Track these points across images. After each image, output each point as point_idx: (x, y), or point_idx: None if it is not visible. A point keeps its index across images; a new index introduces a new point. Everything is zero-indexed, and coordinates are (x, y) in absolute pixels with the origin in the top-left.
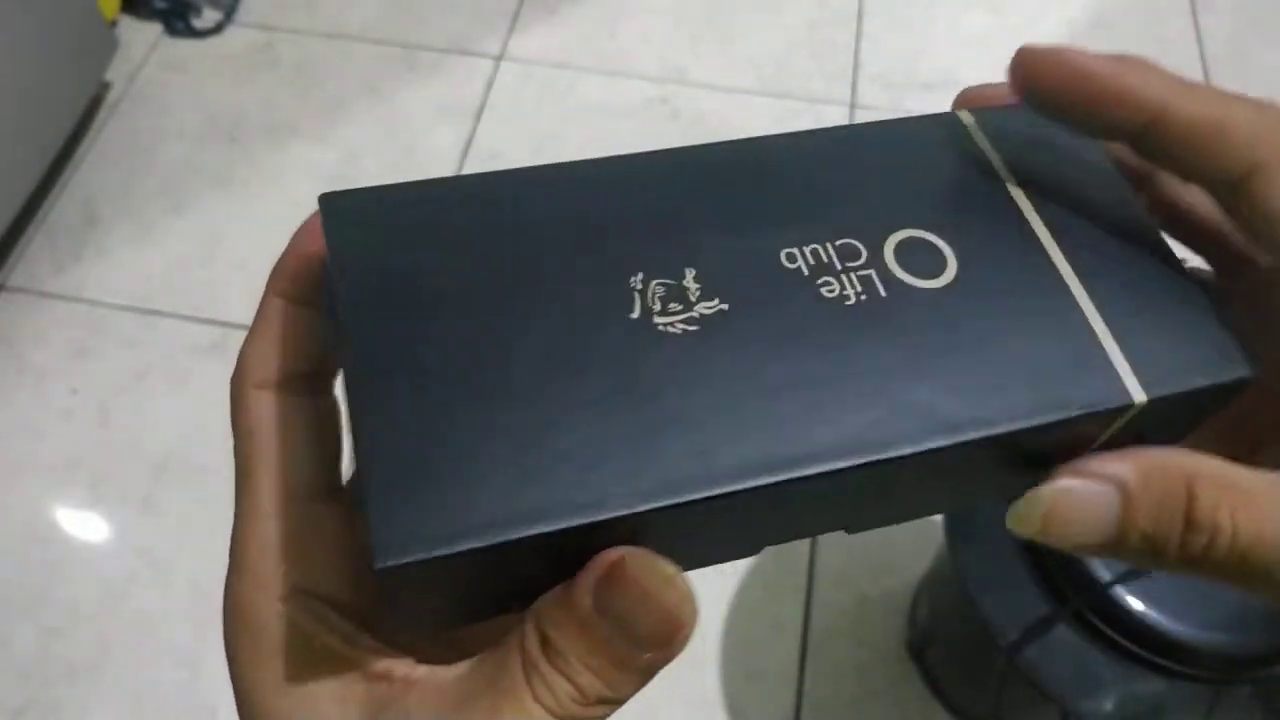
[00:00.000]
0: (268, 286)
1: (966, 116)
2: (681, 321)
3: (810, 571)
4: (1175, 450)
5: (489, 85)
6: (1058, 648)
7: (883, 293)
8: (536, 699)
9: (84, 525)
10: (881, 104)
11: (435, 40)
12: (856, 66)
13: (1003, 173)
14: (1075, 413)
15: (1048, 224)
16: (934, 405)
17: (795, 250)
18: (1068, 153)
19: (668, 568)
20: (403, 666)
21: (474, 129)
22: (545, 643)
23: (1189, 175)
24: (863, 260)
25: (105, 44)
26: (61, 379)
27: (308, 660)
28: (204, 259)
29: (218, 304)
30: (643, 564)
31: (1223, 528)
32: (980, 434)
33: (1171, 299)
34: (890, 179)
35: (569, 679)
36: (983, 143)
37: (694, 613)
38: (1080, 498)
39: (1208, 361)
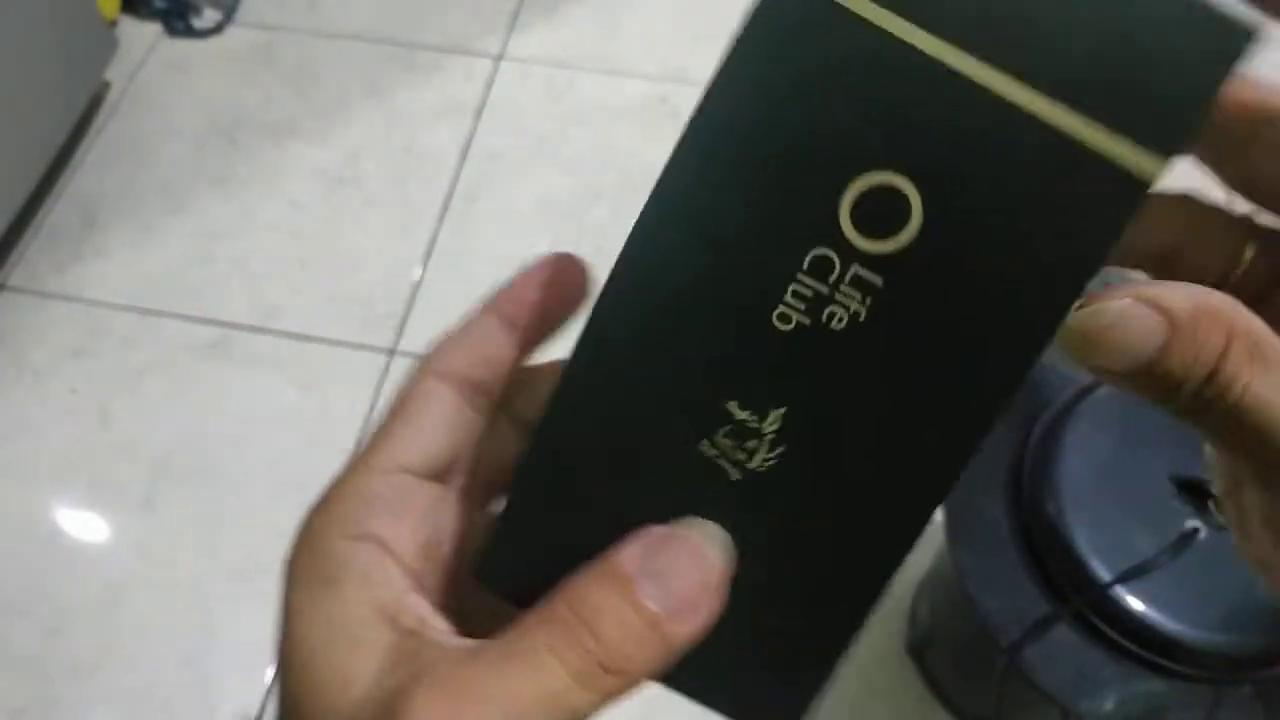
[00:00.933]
0: (488, 304)
1: None
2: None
3: None
4: (1223, 296)
5: (488, 85)
6: (1058, 648)
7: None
8: (558, 656)
9: (83, 525)
10: None
11: (435, 40)
12: None
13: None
14: None
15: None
16: None
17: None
18: None
19: (715, 529)
20: (436, 631)
21: (473, 128)
22: (574, 600)
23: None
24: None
25: (105, 44)
26: (61, 379)
27: (348, 596)
28: (203, 259)
29: (217, 304)
30: (691, 523)
31: (1237, 383)
32: None
33: None
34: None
35: (594, 632)
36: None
37: (725, 581)
38: (1131, 319)
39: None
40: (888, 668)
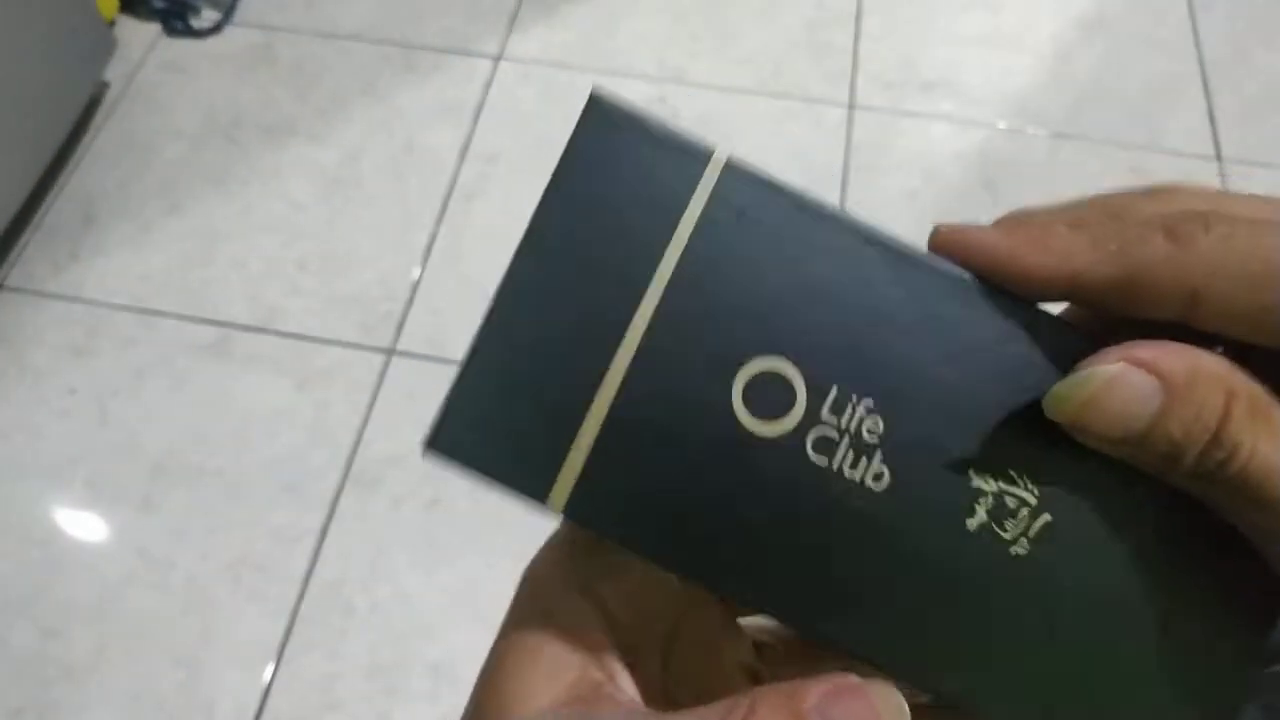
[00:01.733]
0: None
1: None
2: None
3: None
4: (1220, 359)
5: (487, 85)
6: None
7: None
8: None
9: (82, 525)
10: (880, 104)
11: (434, 40)
12: (855, 67)
13: None
14: None
15: None
16: None
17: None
18: None
19: (902, 702)
20: (622, 693)
21: (472, 129)
22: (752, 712)
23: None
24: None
25: (104, 44)
26: (60, 379)
27: (554, 634)
28: (202, 259)
29: (216, 304)
30: (881, 691)
31: (1242, 448)
32: None
33: None
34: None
35: None
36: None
37: None
38: (1124, 385)
39: None
40: None
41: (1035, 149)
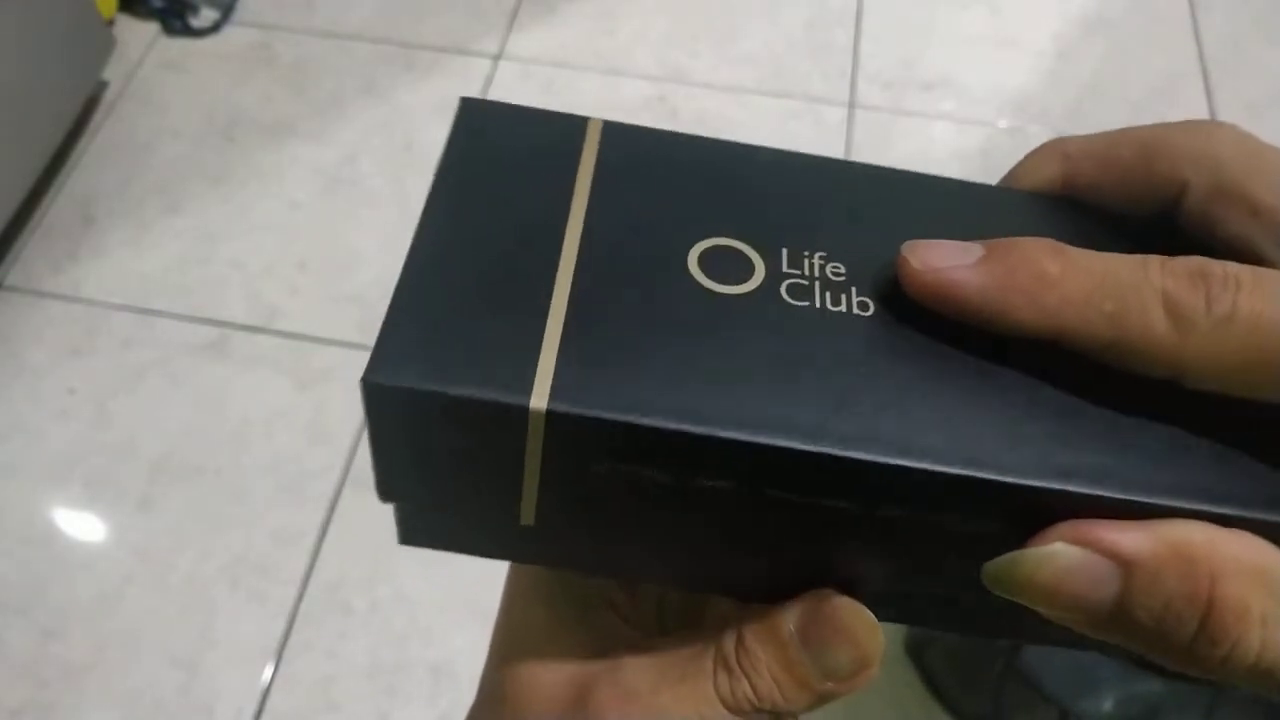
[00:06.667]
0: None
1: None
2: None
3: None
4: (1207, 532)
5: (487, 84)
6: (1057, 648)
7: None
8: (717, 688)
9: (81, 525)
10: (881, 104)
11: (433, 39)
12: (856, 66)
13: None
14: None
15: None
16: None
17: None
18: None
19: (873, 618)
20: (616, 626)
21: None
22: (740, 644)
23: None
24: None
25: (102, 43)
26: (59, 379)
27: (565, 596)
28: (201, 258)
29: (215, 304)
30: (852, 608)
31: (1246, 643)
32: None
33: None
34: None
35: (751, 681)
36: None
37: (879, 660)
38: (1069, 571)
39: None
40: (886, 667)
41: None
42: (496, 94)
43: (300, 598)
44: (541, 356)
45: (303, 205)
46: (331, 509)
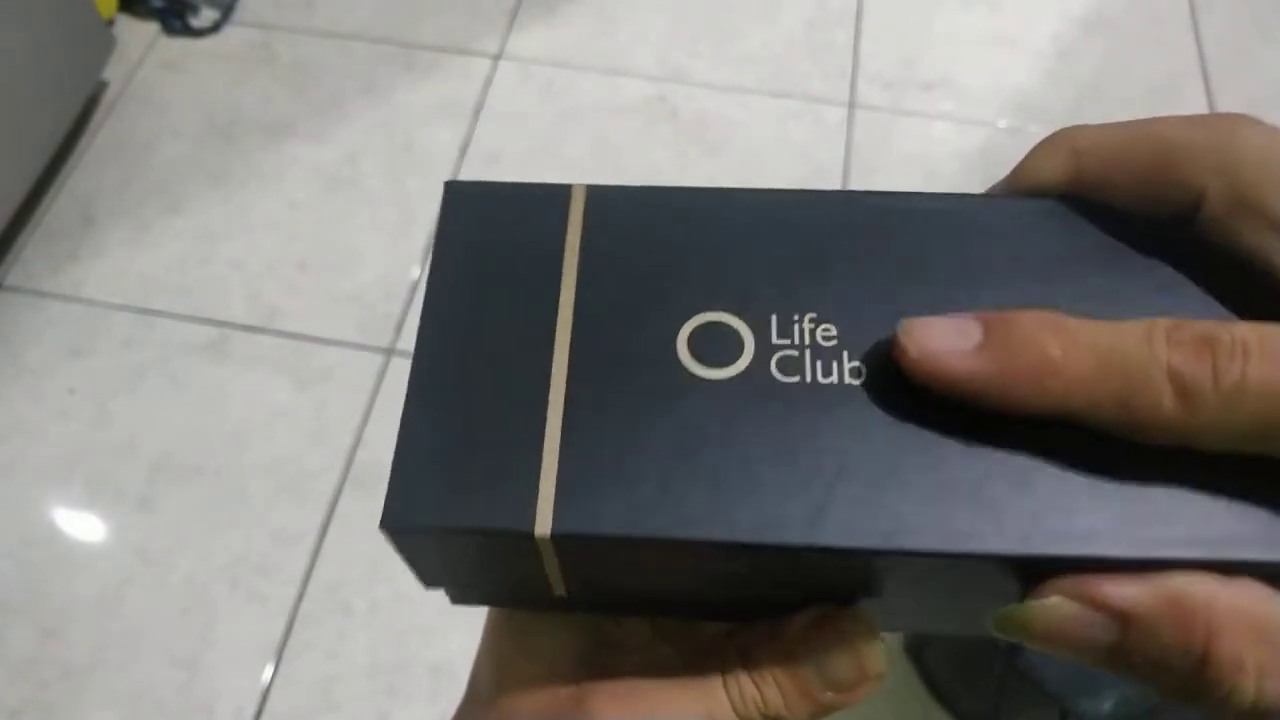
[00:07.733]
0: None
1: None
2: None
3: None
4: (1206, 584)
5: (487, 84)
6: None
7: None
8: (727, 691)
9: (80, 525)
10: (881, 104)
11: (433, 39)
12: (856, 66)
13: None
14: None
15: None
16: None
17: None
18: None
19: (876, 629)
20: (608, 628)
21: (472, 128)
22: (745, 654)
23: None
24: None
25: (102, 43)
26: (58, 379)
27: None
28: (201, 258)
29: (215, 304)
30: (856, 619)
31: (1241, 692)
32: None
33: None
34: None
35: (758, 688)
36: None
37: (882, 675)
38: (1068, 619)
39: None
40: (886, 668)
41: None
42: (496, 94)
43: (300, 598)
44: (541, 482)
45: (302, 205)
46: (331, 509)
